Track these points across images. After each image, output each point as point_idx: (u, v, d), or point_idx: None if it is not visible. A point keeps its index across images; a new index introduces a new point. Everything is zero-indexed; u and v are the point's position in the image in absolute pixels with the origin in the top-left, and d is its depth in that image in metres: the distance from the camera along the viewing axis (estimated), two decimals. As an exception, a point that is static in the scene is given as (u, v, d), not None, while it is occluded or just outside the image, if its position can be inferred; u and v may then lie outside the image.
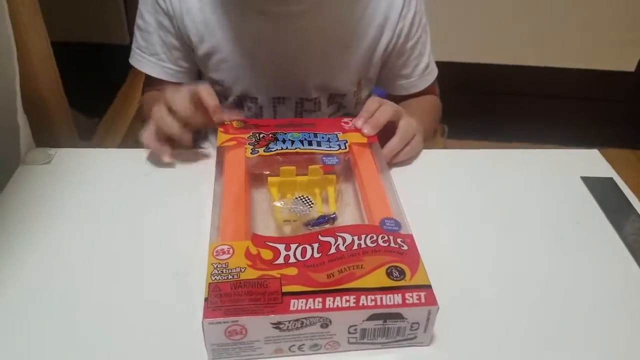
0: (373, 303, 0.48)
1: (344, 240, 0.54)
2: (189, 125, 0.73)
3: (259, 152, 0.68)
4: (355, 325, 0.49)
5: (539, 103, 2.11)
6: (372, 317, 0.48)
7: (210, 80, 0.91)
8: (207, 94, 0.71)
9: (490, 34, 1.95)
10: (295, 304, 0.47)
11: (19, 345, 0.50)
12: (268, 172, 0.67)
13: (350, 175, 0.69)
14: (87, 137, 1.53)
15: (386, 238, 0.54)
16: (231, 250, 0.52)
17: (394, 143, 0.74)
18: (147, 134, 0.74)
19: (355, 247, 0.53)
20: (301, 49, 0.87)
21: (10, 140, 0.74)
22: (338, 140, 0.71)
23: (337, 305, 0.47)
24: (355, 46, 0.89)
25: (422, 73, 0.95)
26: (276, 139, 0.70)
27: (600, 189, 0.73)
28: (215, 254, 0.52)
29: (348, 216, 0.64)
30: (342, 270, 0.50)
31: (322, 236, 0.54)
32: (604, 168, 0.79)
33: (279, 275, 0.50)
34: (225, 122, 0.73)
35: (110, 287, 0.57)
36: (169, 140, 0.74)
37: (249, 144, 0.69)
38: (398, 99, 0.96)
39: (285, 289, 0.48)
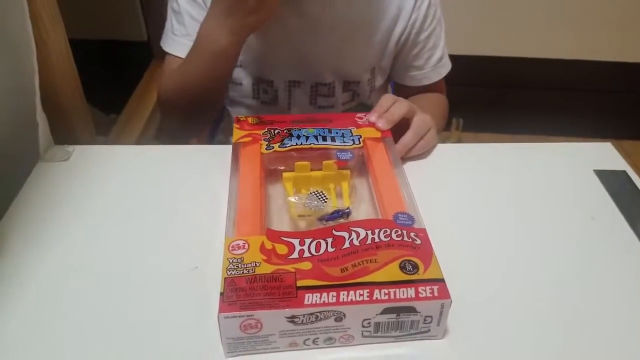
0: (387, 297, 0.48)
1: (358, 234, 0.54)
2: None
3: (273, 147, 0.68)
4: (369, 319, 0.49)
5: (554, 95, 2.09)
6: (385, 311, 0.48)
7: None
8: None
9: (506, 26, 1.94)
10: (310, 298, 0.48)
11: (42, 340, 0.51)
12: (283, 168, 0.67)
13: (365, 170, 0.69)
14: (104, 133, 1.55)
15: (399, 232, 0.54)
16: (246, 245, 0.53)
17: (408, 137, 0.74)
18: None
19: (369, 241, 0.53)
20: (317, 34, 0.88)
21: (29, 138, 0.75)
22: (352, 136, 0.71)
23: (351, 299, 0.48)
24: (369, 34, 0.90)
25: (435, 65, 0.95)
26: (291, 135, 0.70)
27: (613, 182, 0.73)
28: (230, 248, 0.52)
29: (362, 211, 0.64)
30: (356, 265, 0.51)
31: (336, 231, 0.55)
32: (617, 161, 0.78)
33: (293, 270, 0.50)
34: (241, 119, 0.74)
35: (128, 281, 0.57)
36: None
37: (264, 139, 0.70)
38: (406, 93, 0.96)
39: (299, 283, 0.49)
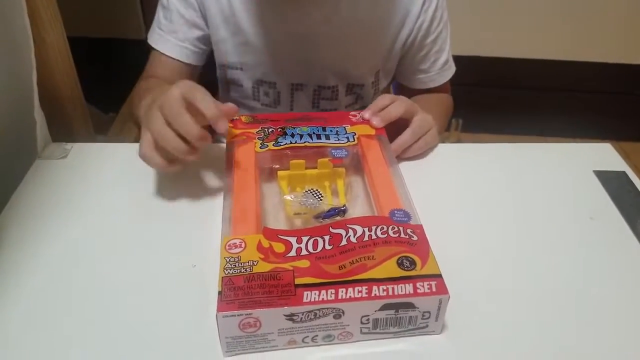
0: (385, 293, 0.48)
1: (355, 231, 0.54)
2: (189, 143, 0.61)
3: (268, 146, 0.68)
4: (368, 316, 0.49)
5: (553, 96, 2.09)
6: (384, 307, 0.49)
7: (228, 65, 0.91)
8: (202, 99, 0.59)
9: (506, 27, 1.94)
10: (308, 295, 0.48)
11: (38, 337, 0.51)
12: (278, 166, 0.67)
13: (360, 168, 0.69)
14: (103, 131, 1.55)
15: (396, 229, 0.54)
16: (243, 244, 0.52)
17: (405, 136, 0.74)
18: (147, 146, 0.62)
19: (366, 238, 0.53)
20: (322, 36, 0.87)
21: (27, 135, 0.75)
22: (346, 133, 0.71)
23: (350, 296, 0.48)
24: (375, 37, 0.89)
25: (441, 68, 0.95)
26: (285, 133, 0.70)
27: (613, 182, 0.73)
28: (227, 247, 0.52)
29: (358, 208, 0.64)
30: (354, 262, 0.51)
31: (333, 228, 0.55)
32: (617, 162, 0.78)
33: (291, 268, 0.50)
34: (234, 118, 0.73)
35: (126, 280, 0.57)
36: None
37: (258, 138, 0.69)
38: (412, 93, 0.96)
39: (297, 281, 0.49)
